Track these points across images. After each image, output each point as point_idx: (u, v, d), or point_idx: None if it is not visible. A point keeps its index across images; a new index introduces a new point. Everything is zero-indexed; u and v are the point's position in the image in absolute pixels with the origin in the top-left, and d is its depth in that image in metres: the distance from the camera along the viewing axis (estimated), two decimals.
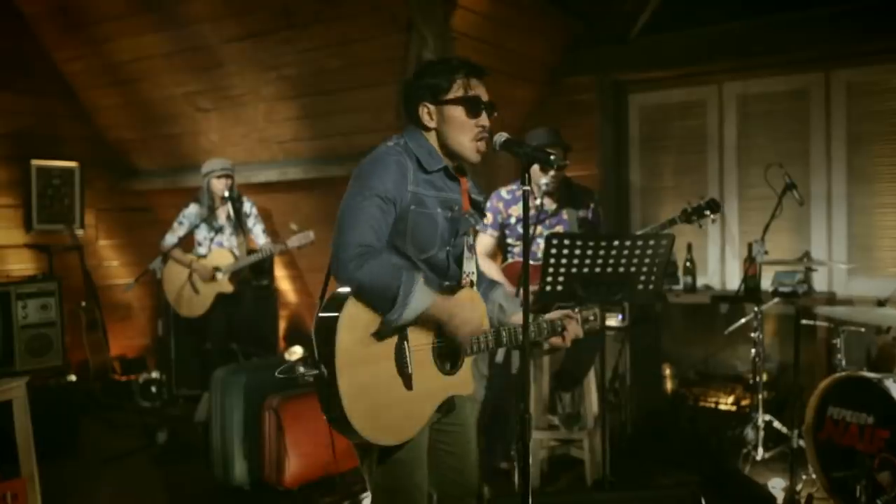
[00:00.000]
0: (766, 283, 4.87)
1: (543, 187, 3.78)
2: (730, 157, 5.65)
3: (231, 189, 5.36)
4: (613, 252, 3.17)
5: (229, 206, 5.33)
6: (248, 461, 4.10)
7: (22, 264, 6.21)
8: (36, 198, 6.32)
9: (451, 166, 2.29)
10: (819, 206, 5.33)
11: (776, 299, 4.21)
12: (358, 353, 2.03)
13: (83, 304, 5.97)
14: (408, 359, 2.12)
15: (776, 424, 4.29)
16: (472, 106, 2.23)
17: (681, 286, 5.37)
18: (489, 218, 4.06)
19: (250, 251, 5.35)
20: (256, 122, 5.93)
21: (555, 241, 3.14)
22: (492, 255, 4.12)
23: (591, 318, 2.59)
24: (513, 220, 4.02)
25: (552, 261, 3.17)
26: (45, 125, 6.43)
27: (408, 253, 2.22)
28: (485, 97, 2.27)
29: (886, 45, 4.89)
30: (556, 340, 2.43)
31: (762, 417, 4.26)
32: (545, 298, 3.24)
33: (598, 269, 3.20)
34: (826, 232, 5.31)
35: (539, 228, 3.91)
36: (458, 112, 2.23)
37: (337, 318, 2.01)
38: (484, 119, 2.26)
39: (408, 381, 2.12)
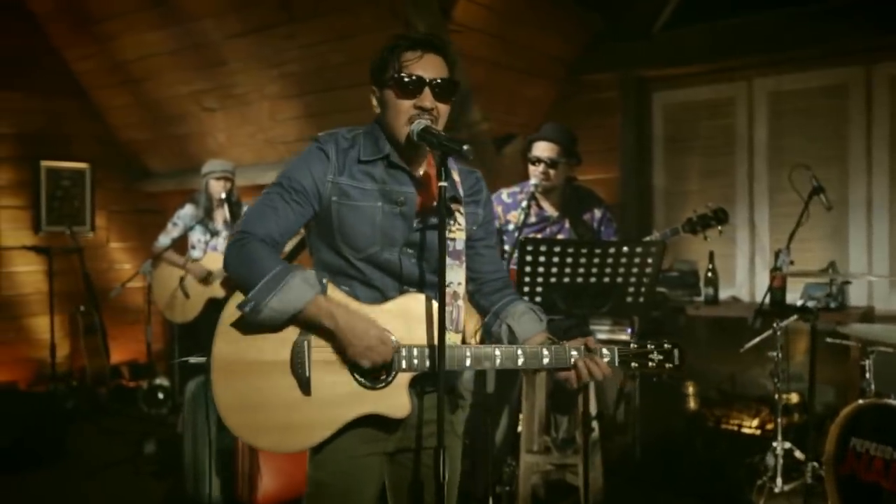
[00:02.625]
0: (796, 296, 4.46)
1: (532, 188, 3.46)
2: (760, 159, 5.23)
3: (230, 192, 5.17)
4: (596, 260, 2.84)
5: (226, 209, 5.14)
6: (220, 477, 3.88)
7: (29, 266, 6.15)
8: (45, 199, 6.26)
9: (401, 156, 1.97)
10: (858, 212, 4.88)
11: (794, 316, 3.79)
12: (241, 346, 1.86)
13: (81, 308, 5.85)
14: (305, 359, 1.86)
15: (797, 454, 3.88)
16: (401, 85, 1.91)
17: (702, 298, 4.96)
18: None
19: None
20: (262, 122, 5.75)
21: (529, 248, 2.84)
22: None
23: (651, 357, 1.98)
24: (510, 227, 3.66)
25: (528, 269, 2.87)
26: (56, 125, 6.37)
27: (342, 251, 1.96)
28: (429, 74, 1.92)
29: None
30: (564, 375, 1.98)
31: (782, 445, 3.85)
32: None
33: (579, 279, 2.88)
34: (865, 241, 4.85)
35: (539, 237, 3.58)
36: (390, 94, 1.94)
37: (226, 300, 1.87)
38: (424, 99, 1.91)
39: (304, 385, 1.86)
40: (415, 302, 1.94)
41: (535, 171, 3.45)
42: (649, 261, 2.87)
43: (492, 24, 4.80)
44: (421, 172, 2.02)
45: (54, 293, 5.96)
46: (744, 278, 5.29)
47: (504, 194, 3.70)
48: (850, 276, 3.95)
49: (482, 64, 4.94)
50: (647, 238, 3.44)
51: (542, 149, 3.45)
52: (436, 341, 1.85)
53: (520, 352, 1.93)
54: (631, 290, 2.92)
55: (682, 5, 5.26)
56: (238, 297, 1.85)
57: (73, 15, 5.94)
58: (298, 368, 1.86)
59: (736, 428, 4.72)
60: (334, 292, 1.90)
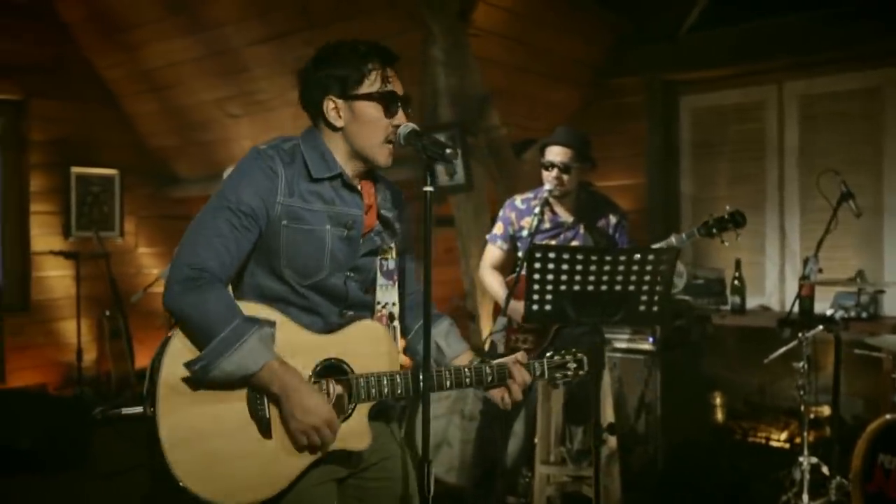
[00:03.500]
0: (826, 306, 4.31)
1: (545, 193, 3.38)
2: (791, 164, 5.09)
3: None
4: (607, 268, 2.75)
5: None
6: None
7: (59, 271, 6.23)
8: (75, 205, 6.34)
9: (350, 174, 1.89)
10: (893, 219, 4.71)
11: (820, 326, 3.65)
12: (191, 389, 1.68)
13: (107, 312, 5.91)
14: (266, 400, 1.73)
15: (825, 469, 3.73)
16: (391, 103, 1.85)
17: (728, 307, 4.83)
18: (499, 228, 3.68)
19: None
20: (285, 128, 5.75)
21: (538, 255, 2.76)
22: (500, 269, 3.74)
23: (570, 366, 2.09)
24: (524, 234, 3.58)
25: (536, 276, 2.79)
26: (86, 132, 6.45)
27: (286, 278, 1.83)
28: (400, 89, 1.89)
29: None
30: (496, 393, 1.99)
31: (809, 459, 3.71)
32: (532, 318, 2.86)
33: (590, 287, 2.79)
34: None
35: (553, 243, 3.51)
36: (372, 109, 1.84)
37: (166, 344, 1.68)
38: (400, 117, 1.88)
39: (264, 428, 1.72)
40: (367, 329, 1.90)
41: (549, 177, 3.37)
42: (662, 268, 2.77)
43: (512, 27, 4.74)
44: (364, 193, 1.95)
45: (82, 298, 6.05)
46: (773, 287, 5.14)
47: (517, 200, 3.63)
48: (880, 284, 3.80)
49: (502, 68, 4.88)
50: (664, 241, 3.35)
51: (555, 153, 3.38)
52: (391, 368, 1.86)
53: (467, 371, 1.93)
54: (644, 298, 2.83)
55: (710, 7, 5.14)
56: (180, 340, 1.69)
57: (102, 24, 6.02)
58: (256, 410, 1.73)
59: (764, 441, 4.58)
60: (287, 326, 1.78)
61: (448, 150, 1.69)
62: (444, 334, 2.06)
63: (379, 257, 1.96)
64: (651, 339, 4.18)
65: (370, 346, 1.85)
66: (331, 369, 1.83)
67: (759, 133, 5.21)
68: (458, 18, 4.22)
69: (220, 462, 1.68)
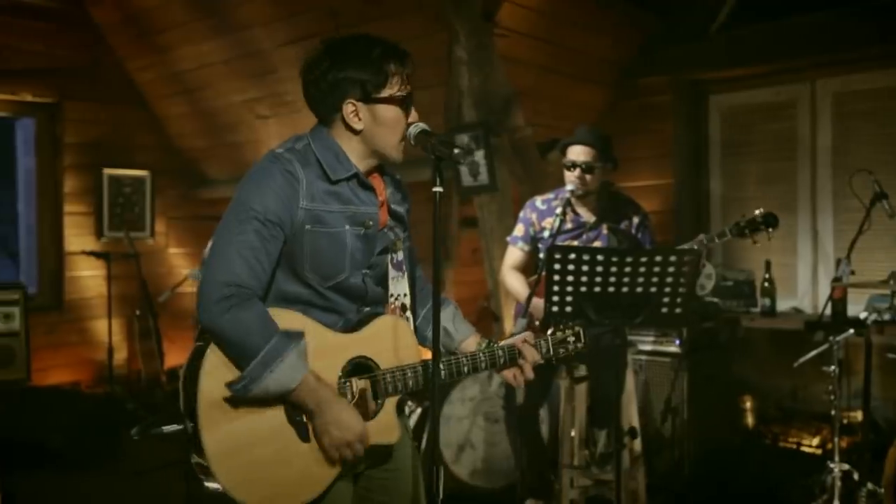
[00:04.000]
0: (860, 308, 4.21)
1: (567, 194, 3.34)
2: (823, 164, 4.98)
3: None
4: (627, 269, 2.73)
5: None
6: None
7: (92, 271, 6.33)
8: (107, 206, 6.44)
9: (363, 172, 1.90)
10: None
11: (851, 330, 3.57)
12: (230, 404, 1.71)
13: (137, 312, 5.99)
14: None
15: (856, 476, 3.64)
16: (405, 104, 1.87)
17: (758, 309, 4.74)
18: (520, 230, 3.66)
19: None
20: None
21: (558, 255, 2.74)
22: (521, 271, 3.71)
23: (570, 340, 2.15)
24: (546, 234, 3.55)
25: (556, 277, 2.77)
26: (119, 134, 6.55)
27: (308, 281, 1.83)
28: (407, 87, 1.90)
29: None
30: (508, 374, 2.03)
31: (840, 466, 3.63)
32: (552, 319, 2.83)
33: (611, 288, 2.76)
34: None
35: (575, 244, 3.47)
36: (392, 112, 1.85)
37: (201, 358, 1.71)
38: (413, 115, 1.90)
39: (302, 432, 1.76)
40: (388, 324, 1.92)
41: (571, 177, 3.34)
42: (685, 270, 2.74)
43: (538, 27, 4.71)
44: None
45: (114, 297, 6.14)
46: (806, 289, 5.04)
47: (538, 201, 3.60)
48: None
49: (528, 68, 4.85)
50: (693, 241, 3.30)
51: (577, 153, 3.34)
52: (414, 360, 1.89)
53: (482, 356, 1.99)
54: (666, 300, 2.79)
55: (740, 5, 5.05)
56: (216, 356, 1.71)
57: (134, 26, 6.11)
58: (293, 414, 1.77)
59: (795, 446, 4.49)
60: (314, 330, 1.80)
61: (457, 151, 1.68)
62: (451, 318, 2.09)
63: (393, 251, 1.97)
64: (677, 342, 4.12)
65: (393, 341, 1.87)
66: (359, 367, 1.87)
67: (791, 132, 5.11)
68: (483, 19, 4.19)
69: (261, 469, 1.72)
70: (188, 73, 6.13)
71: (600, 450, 3.77)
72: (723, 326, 4.49)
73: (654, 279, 2.74)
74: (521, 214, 3.68)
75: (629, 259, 2.71)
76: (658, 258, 2.71)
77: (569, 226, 3.44)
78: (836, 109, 4.93)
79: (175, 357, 6.57)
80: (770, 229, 3.21)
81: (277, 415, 1.75)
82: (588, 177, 3.33)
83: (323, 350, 1.80)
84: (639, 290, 2.76)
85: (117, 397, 5.77)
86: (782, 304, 4.90)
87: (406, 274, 1.97)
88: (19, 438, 4.74)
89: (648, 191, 5.48)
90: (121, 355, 6.29)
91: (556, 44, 4.88)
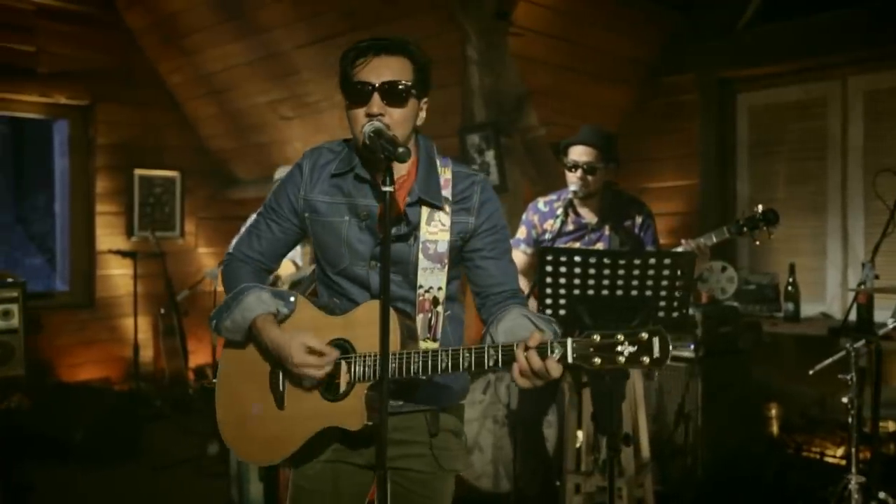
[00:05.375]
0: (888, 314, 4.04)
1: (569, 195, 3.27)
2: (854, 164, 4.80)
3: None
4: (621, 272, 2.66)
5: None
6: (263, 483, 3.90)
7: (122, 269, 6.46)
8: (138, 206, 6.56)
9: (366, 166, 1.91)
10: None
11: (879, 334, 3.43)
12: (239, 362, 1.99)
13: (162, 310, 6.09)
14: (280, 374, 1.92)
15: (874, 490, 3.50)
16: (350, 93, 1.85)
17: (782, 314, 4.59)
18: (522, 232, 3.58)
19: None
20: (334, 130, 5.81)
21: (549, 257, 2.68)
22: (525, 274, 3.65)
23: (625, 347, 1.58)
24: (547, 236, 3.45)
25: (549, 280, 2.71)
26: (150, 135, 6.68)
27: (323, 266, 2.00)
28: (380, 77, 1.81)
29: None
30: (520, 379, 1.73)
31: (856, 478, 3.48)
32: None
33: (605, 292, 2.70)
34: None
35: (578, 245, 3.40)
36: (347, 104, 1.88)
37: None
38: (372, 105, 1.81)
39: (279, 399, 1.93)
40: (373, 310, 1.82)
41: (573, 178, 3.26)
42: (681, 273, 2.65)
43: (555, 25, 4.64)
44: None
45: (142, 296, 6.26)
46: (835, 293, 4.87)
47: (540, 203, 3.52)
48: None
49: (547, 67, 4.79)
50: (694, 240, 3.21)
51: (579, 153, 3.26)
52: (396, 348, 1.75)
53: (466, 353, 1.71)
54: (662, 304, 2.71)
55: (768, 1, 4.91)
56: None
57: (164, 29, 6.22)
58: (274, 383, 1.93)
59: (818, 456, 4.33)
60: (305, 307, 1.94)
61: (400, 150, 1.63)
62: (497, 323, 1.88)
63: (422, 241, 1.88)
64: (691, 346, 4.01)
65: (375, 327, 1.75)
66: (338, 349, 1.87)
67: (821, 131, 4.94)
68: (496, 18, 4.14)
69: (246, 424, 1.96)
70: (215, 75, 6.21)
71: (604, 456, 3.69)
72: (742, 331, 4.35)
73: (649, 282, 2.66)
74: (524, 216, 3.61)
75: (622, 261, 2.64)
76: (652, 261, 2.64)
77: (570, 227, 3.37)
78: (867, 107, 4.75)
79: (200, 356, 6.67)
80: (770, 227, 3.11)
81: (262, 382, 1.95)
82: (590, 178, 3.25)
83: (305, 326, 1.91)
84: (633, 293, 2.69)
85: (143, 394, 5.88)
86: (811, 309, 4.74)
87: (446, 267, 1.89)
88: (44, 433, 4.86)
89: (673, 192, 5.36)
90: (147, 353, 6.41)
91: (575, 42, 4.81)
